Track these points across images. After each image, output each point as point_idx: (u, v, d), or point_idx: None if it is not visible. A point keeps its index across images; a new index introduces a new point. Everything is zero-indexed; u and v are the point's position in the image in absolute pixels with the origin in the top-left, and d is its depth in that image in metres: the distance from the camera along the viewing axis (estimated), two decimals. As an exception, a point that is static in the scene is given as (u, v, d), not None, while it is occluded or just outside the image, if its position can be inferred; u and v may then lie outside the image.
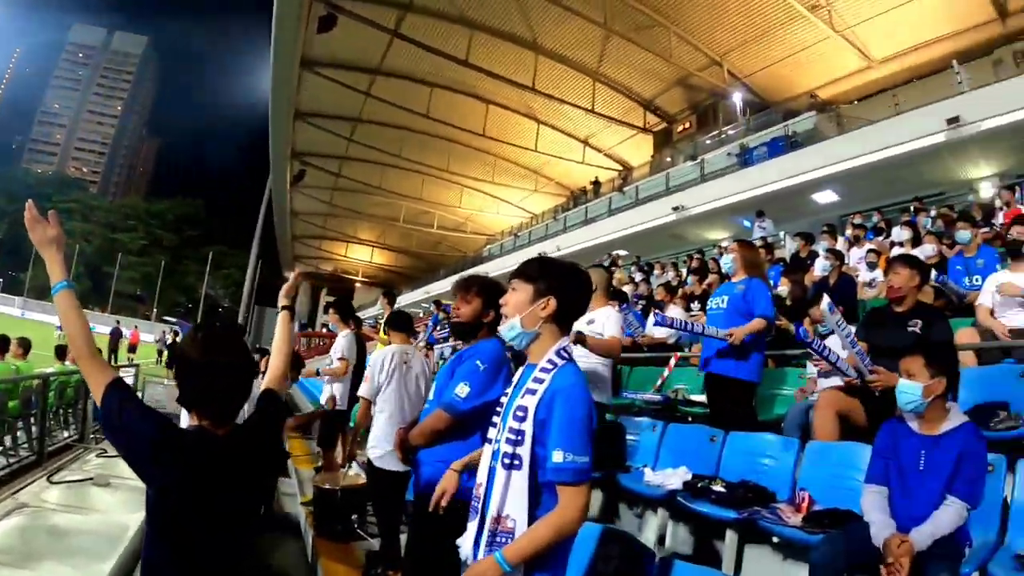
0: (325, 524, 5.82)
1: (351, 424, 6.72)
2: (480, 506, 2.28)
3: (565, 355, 2.31)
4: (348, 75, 31.34)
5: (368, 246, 57.71)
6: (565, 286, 2.37)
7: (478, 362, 3.38)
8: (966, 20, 22.12)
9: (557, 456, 2.09)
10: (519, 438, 2.18)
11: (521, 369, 2.43)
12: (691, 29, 26.49)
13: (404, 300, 43.93)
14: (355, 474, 6.25)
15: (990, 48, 20.07)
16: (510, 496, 2.18)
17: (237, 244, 59.66)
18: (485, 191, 43.48)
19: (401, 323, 6.01)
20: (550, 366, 2.26)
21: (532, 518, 2.15)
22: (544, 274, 2.38)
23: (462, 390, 3.29)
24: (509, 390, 2.40)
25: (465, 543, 2.32)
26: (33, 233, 2.43)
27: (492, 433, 2.37)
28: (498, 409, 2.41)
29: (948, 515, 3.11)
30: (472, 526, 2.30)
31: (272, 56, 25.84)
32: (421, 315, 32.02)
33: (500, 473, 2.21)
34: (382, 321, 11.15)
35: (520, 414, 2.20)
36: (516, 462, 2.18)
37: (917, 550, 3.03)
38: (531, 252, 31.82)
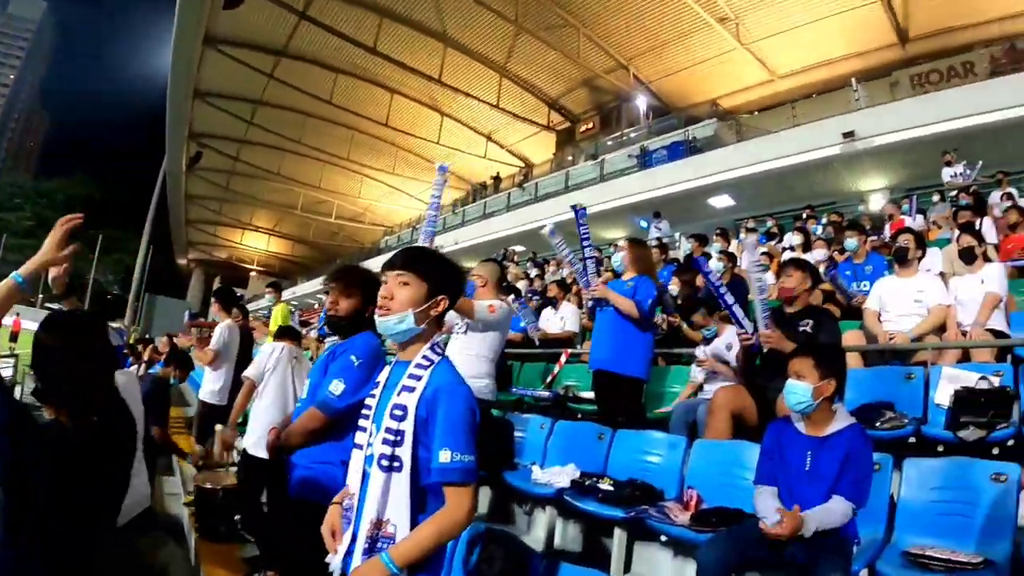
0: (207, 525, 5.54)
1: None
2: (353, 515, 2.15)
3: (439, 351, 2.24)
4: (252, 55, 30.45)
5: (264, 234, 56.16)
6: (454, 286, 2.32)
7: (352, 357, 3.19)
8: (868, 43, 23.43)
9: (444, 456, 2.00)
10: (398, 438, 2.07)
11: (389, 367, 2.30)
12: (601, 32, 26.81)
13: (300, 291, 43.02)
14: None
15: (889, 70, 21.24)
16: (390, 500, 2.08)
17: (129, 228, 57.61)
18: (385, 182, 42.99)
19: (292, 334, 5.85)
20: (426, 362, 2.17)
21: (414, 523, 2.05)
22: (437, 272, 2.28)
23: (336, 387, 3.10)
24: (377, 390, 2.26)
25: (335, 557, 2.16)
26: None
27: (362, 437, 2.23)
28: (365, 412, 2.26)
29: (834, 508, 3.13)
30: (347, 536, 2.15)
31: (175, 29, 25.07)
32: (316, 306, 31.44)
33: (377, 476, 2.09)
34: (272, 314, 10.91)
35: (399, 413, 2.09)
36: (396, 464, 2.08)
37: (804, 532, 3.04)
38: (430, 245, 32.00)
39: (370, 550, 2.04)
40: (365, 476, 2.16)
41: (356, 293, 3.37)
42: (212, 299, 8.13)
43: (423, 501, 2.09)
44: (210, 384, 7.33)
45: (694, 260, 5.45)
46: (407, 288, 2.20)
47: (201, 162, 38.46)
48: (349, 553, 2.11)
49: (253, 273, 60.00)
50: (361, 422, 2.26)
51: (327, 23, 27.66)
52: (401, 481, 2.07)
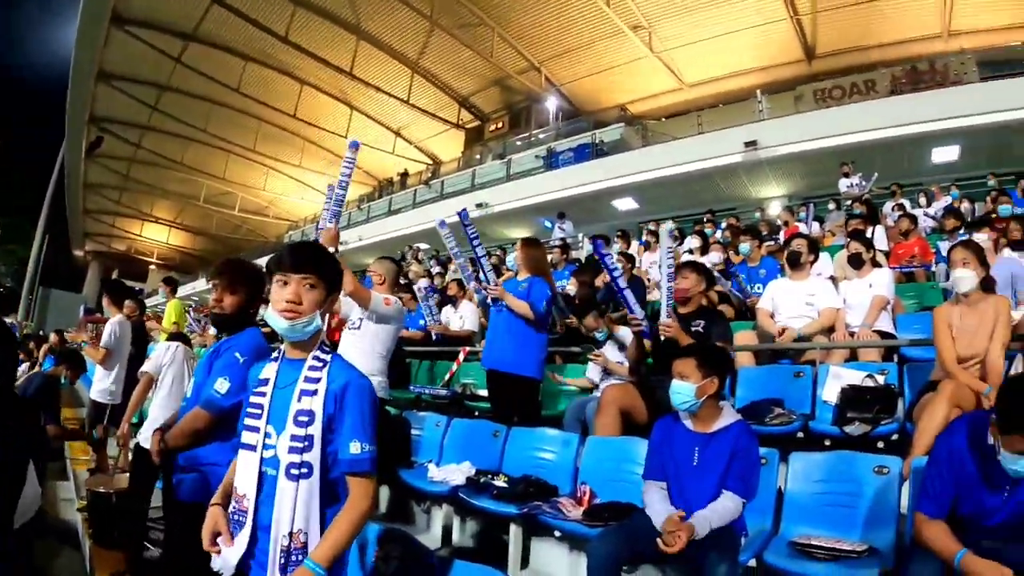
0: (101, 531, 5.32)
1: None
2: (249, 521, 2.10)
3: (327, 348, 2.25)
4: (160, 38, 29.25)
5: (165, 226, 54.06)
6: (340, 281, 2.36)
7: (237, 354, 3.08)
8: (776, 58, 24.53)
9: (355, 447, 2.06)
10: (307, 444, 2.07)
11: (275, 367, 2.26)
12: (515, 33, 26.92)
13: (200, 286, 41.96)
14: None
15: (794, 85, 21.78)
16: (300, 508, 2.07)
17: (23, 216, 55.10)
18: (291, 175, 42.22)
19: (184, 340, 5.64)
20: (319, 363, 2.18)
21: (323, 523, 2.09)
22: (332, 271, 2.28)
23: (222, 385, 2.99)
24: (266, 389, 2.22)
25: (229, 559, 2.12)
26: None
27: (252, 437, 2.17)
28: (254, 411, 2.21)
29: (724, 505, 3.21)
30: (240, 540, 2.11)
31: (81, 4, 24.23)
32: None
33: (287, 487, 2.07)
34: (166, 310, 10.59)
35: (304, 419, 2.08)
36: (305, 470, 2.07)
37: (696, 536, 3.08)
38: None
39: (285, 565, 2.04)
40: (264, 481, 2.13)
41: (241, 289, 3.26)
42: (103, 293, 7.85)
43: (330, 498, 2.11)
44: (101, 382, 7.05)
45: (596, 246, 5.53)
46: (314, 291, 2.18)
47: (101, 148, 36.85)
48: (261, 566, 2.08)
49: (152, 266, 57.79)
50: (249, 421, 2.22)
51: (239, 8, 27.01)
52: (312, 487, 2.07)
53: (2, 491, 2.41)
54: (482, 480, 4.60)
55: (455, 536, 4.94)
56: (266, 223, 47.61)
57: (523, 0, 25.16)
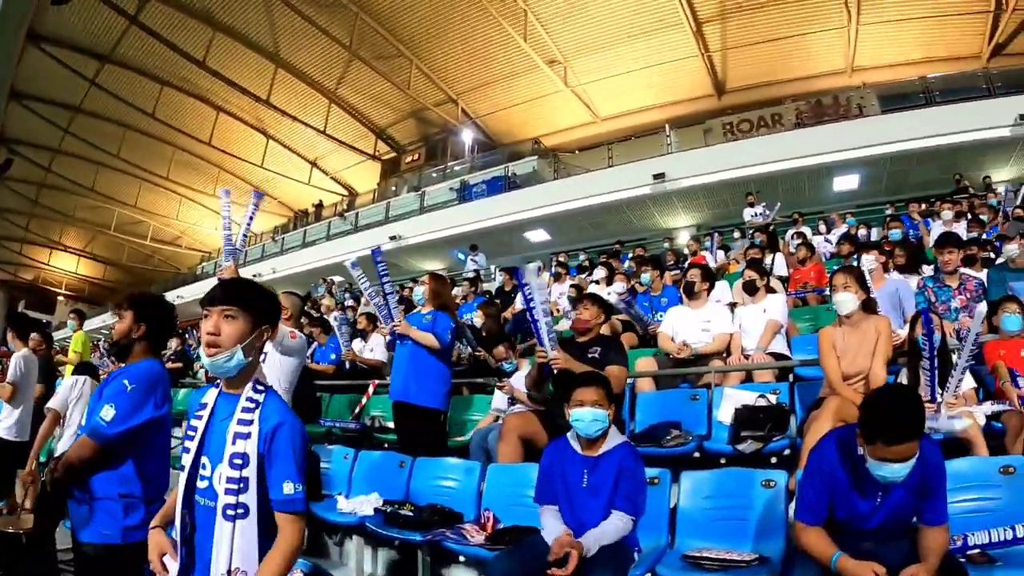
0: (13, 571, 5.20)
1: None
2: (187, 555, 2.18)
3: (262, 387, 2.25)
4: (76, 58, 28.34)
5: (74, 254, 52.10)
6: (273, 315, 2.37)
7: (125, 382, 3.02)
8: (688, 92, 25.26)
9: (288, 488, 2.10)
10: (242, 486, 2.10)
11: (212, 397, 2.28)
12: (433, 65, 27.04)
13: (111, 319, 40.84)
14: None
15: (704, 118, 22.38)
16: (238, 547, 2.10)
17: None
18: (205, 204, 41.06)
19: (92, 371, 5.69)
20: (252, 404, 2.18)
21: (261, 558, 2.11)
22: (260, 302, 2.30)
23: (107, 413, 2.91)
24: (203, 413, 2.26)
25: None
26: None
27: (186, 458, 2.22)
28: (190, 432, 2.25)
29: (613, 524, 3.34)
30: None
31: (-3, 20, 23.45)
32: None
33: (223, 527, 2.10)
34: (72, 341, 10.32)
35: (238, 462, 2.11)
36: (241, 511, 2.10)
37: (585, 554, 3.21)
38: (247, 272, 31.03)
39: None
40: (197, 509, 2.20)
41: (138, 318, 3.25)
42: (7, 327, 7.63)
43: (267, 535, 2.13)
44: (7, 419, 6.82)
45: (517, 275, 5.77)
46: (234, 322, 2.20)
47: (10, 171, 35.68)
48: None
49: (61, 298, 56.13)
50: (187, 443, 2.24)
51: (158, 30, 26.52)
52: (249, 527, 2.10)
53: None
54: (389, 510, 4.68)
55: (367, 567, 5.03)
56: (179, 253, 46.59)
57: (441, 33, 25.26)
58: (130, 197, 40.66)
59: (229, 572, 2.07)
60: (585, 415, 3.50)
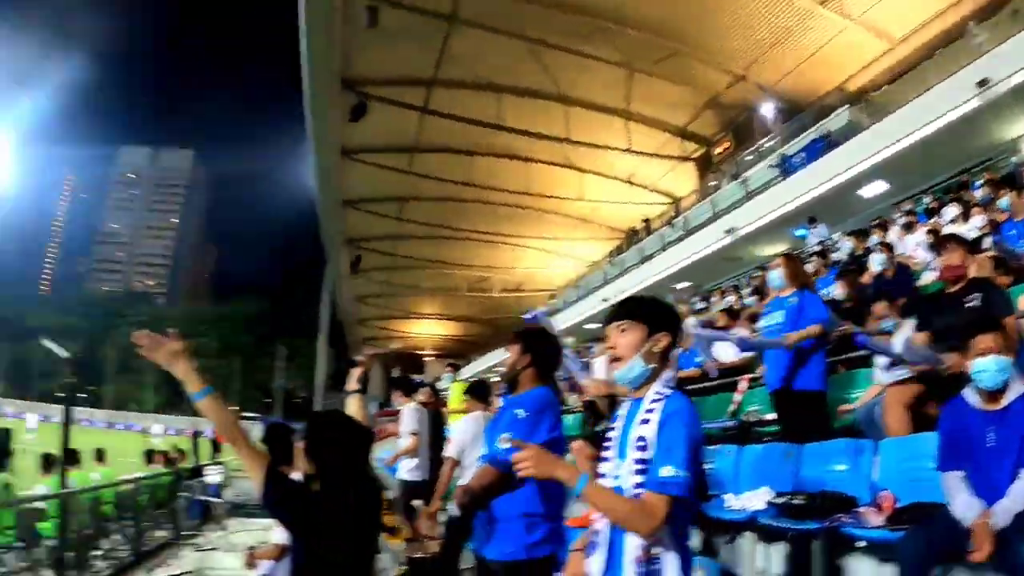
0: None
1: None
2: (606, 545, 2.33)
3: (670, 386, 2.38)
4: (387, 157, 31.64)
5: (432, 319, 57.55)
6: (670, 321, 2.48)
7: (517, 411, 3.35)
8: None
9: (665, 471, 2.15)
10: (644, 467, 2.23)
11: (626, 405, 2.47)
12: (709, 51, 26.30)
13: (477, 367, 43.75)
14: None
15: (1005, 1, 19.04)
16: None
17: (305, 335, 62.32)
18: (539, 247, 43.27)
19: (480, 392, 6.21)
20: (659, 396, 2.32)
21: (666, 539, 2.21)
22: (651, 312, 2.47)
23: (503, 442, 3.18)
24: (618, 423, 2.46)
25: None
26: (155, 354, 2.76)
27: (606, 467, 2.42)
28: (606, 443, 2.45)
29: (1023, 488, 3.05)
30: (597, 559, 2.35)
31: (312, 151, 26.64)
32: (495, 379, 31.87)
33: None
34: (451, 392, 11.28)
35: (641, 444, 2.25)
36: (639, 492, 2.22)
37: (1000, 526, 2.97)
38: (594, 300, 32.89)
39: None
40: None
41: (514, 347, 3.58)
42: (391, 388, 8.72)
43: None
44: (409, 463, 7.83)
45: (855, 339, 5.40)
46: (627, 334, 2.41)
47: (361, 264, 40.11)
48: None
49: (427, 358, 61.19)
50: (604, 453, 2.43)
51: (448, 111, 28.39)
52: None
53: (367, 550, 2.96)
54: (781, 502, 4.57)
55: (759, 563, 4.88)
56: (526, 297, 48.43)
57: (706, 17, 24.50)
58: (470, 258, 44.09)
59: (643, 549, 2.18)
60: (989, 364, 3.29)
